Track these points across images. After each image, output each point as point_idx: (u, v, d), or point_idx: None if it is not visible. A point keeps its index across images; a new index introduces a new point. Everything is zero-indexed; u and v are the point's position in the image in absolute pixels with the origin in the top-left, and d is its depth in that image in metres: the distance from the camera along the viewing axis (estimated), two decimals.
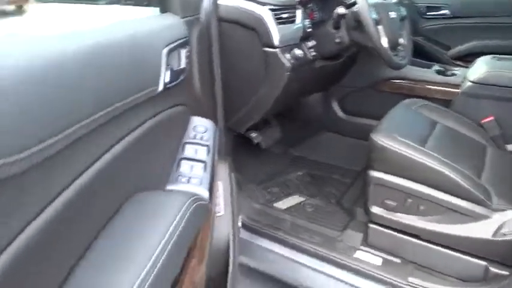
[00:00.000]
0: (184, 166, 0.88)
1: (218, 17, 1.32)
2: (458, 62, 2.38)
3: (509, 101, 1.58)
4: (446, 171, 1.21)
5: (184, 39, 0.94)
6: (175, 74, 0.85)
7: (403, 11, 1.63)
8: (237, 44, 1.36)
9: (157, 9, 1.02)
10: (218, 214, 1.11)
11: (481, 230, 1.17)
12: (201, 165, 0.89)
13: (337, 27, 1.51)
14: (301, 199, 1.70)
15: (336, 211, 1.61)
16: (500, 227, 1.15)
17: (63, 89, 0.51)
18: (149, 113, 0.76)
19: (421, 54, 2.64)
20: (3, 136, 0.39)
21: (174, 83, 0.84)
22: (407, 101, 1.65)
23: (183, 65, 0.91)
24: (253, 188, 1.72)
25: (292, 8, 1.43)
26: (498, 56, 1.84)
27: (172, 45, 0.83)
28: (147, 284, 0.49)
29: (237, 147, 1.86)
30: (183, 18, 1.00)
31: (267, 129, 2.03)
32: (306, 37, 1.46)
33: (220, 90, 1.40)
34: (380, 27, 1.44)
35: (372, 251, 1.36)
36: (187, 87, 1.00)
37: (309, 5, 1.68)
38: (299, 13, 1.44)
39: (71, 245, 0.49)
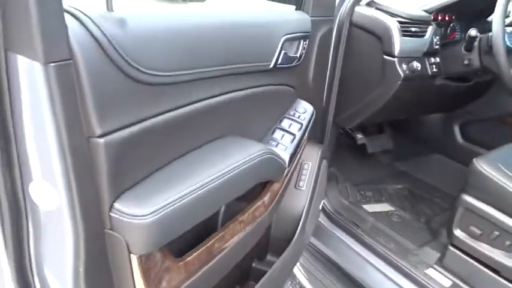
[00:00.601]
0: (277, 134, 1.06)
1: (351, 21, 1.47)
2: None
3: None
4: None
5: (306, 33, 1.11)
6: (288, 59, 1.03)
7: None
8: (361, 48, 1.48)
9: (294, 7, 1.22)
10: (300, 188, 1.27)
11: None
12: (291, 137, 1.06)
13: (468, 49, 1.51)
14: (391, 208, 1.73)
15: (422, 229, 1.61)
16: None
17: (206, 44, 0.75)
18: (259, 82, 0.96)
19: None
20: (163, 60, 0.64)
21: (285, 65, 1.03)
22: None
23: (298, 53, 1.09)
24: (347, 186, 1.81)
25: (424, 23, 1.48)
26: None
27: (291, 35, 1.02)
28: (206, 189, 0.69)
29: (344, 147, 1.98)
30: (312, 17, 1.18)
31: (378, 136, 2.09)
32: (431, 53, 1.49)
33: (337, 86, 1.55)
34: None
35: (445, 272, 1.35)
36: (299, 73, 1.17)
37: (452, 24, 1.69)
38: (430, 29, 1.48)
39: (174, 144, 0.72)
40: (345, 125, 1.62)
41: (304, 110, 1.16)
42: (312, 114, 1.18)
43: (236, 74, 0.86)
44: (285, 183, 1.08)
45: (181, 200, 0.63)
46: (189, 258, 0.73)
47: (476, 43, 1.48)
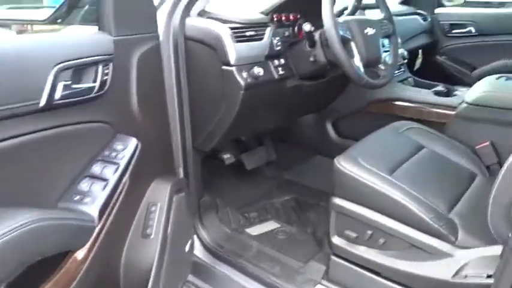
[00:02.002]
0: (84, 184, 0.86)
1: (185, 35, 1.33)
2: None
3: (507, 124, 1.40)
4: (407, 203, 1.09)
5: (106, 56, 0.94)
6: (77, 91, 0.84)
7: (389, 28, 1.52)
8: (200, 62, 1.34)
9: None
10: (149, 236, 1.07)
11: (442, 269, 1.02)
12: (102, 184, 0.86)
13: (312, 45, 1.44)
14: (277, 226, 1.61)
15: (308, 241, 1.50)
16: (462, 268, 1.00)
17: None
18: (32, 127, 0.75)
19: (443, 75, 2.48)
20: None
21: (75, 99, 0.84)
22: (396, 123, 1.52)
23: (98, 82, 0.90)
24: (229, 212, 1.66)
25: (261, 26, 1.39)
26: (510, 75, 1.65)
27: (72, 63, 0.83)
28: None
29: (219, 170, 1.82)
30: (117, 36, 1.01)
31: (258, 150, 1.97)
32: (275, 55, 1.40)
33: (188, 108, 1.39)
34: (352, 45, 1.36)
35: (332, 286, 1.24)
36: (114, 103, 0.99)
37: (298, 23, 1.62)
38: (268, 31, 1.39)
39: None
40: (204, 148, 1.46)
41: (124, 146, 0.97)
42: (136, 149, 0.99)
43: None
44: (97, 245, 0.87)
45: None
46: None
47: (317, 38, 1.43)
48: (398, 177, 1.18)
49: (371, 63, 1.42)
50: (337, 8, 1.71)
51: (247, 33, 1.33)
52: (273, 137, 2.06)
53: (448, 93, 1.74)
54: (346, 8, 1.69)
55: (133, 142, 0.98)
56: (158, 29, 1.24)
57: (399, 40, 1.95)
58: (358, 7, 1.67)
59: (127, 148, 0.96)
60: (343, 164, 1.21)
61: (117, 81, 0.98)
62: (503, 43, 2.36)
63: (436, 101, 1.64)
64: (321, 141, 1.95)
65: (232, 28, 1.30)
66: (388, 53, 1.54)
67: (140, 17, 1.11)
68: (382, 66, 1.46)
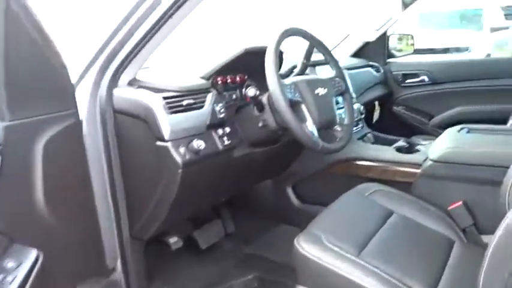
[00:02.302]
0: None
1: (114, 108, 1.17)
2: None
3: (480, 182, 1.28)
4: None
5: None
6: None
7: (342, 85, 1.41)
8: (132, 138, 1.17)
9: None
10: None
11: None
12: None
13: (260, 109, 1.31)
14: None
15: None
16: None
17: None
18: None
19: (402, 125, 2.42)
20: None
21: None
22: (361, 186, 1.38)
23: None
24: None
25: (201, 92, 1.25)
26: (470, 126, 1.57)
27: None
28: None
29: (168, 254, 1.58)
30: (13, 121, 0.82)
31: (214, 223, 1.76)
32: (218, 124, 1.25)
33: (123, 192, 1.20)
34: (303, 107, 1.23)
35: None
36: (3, 207, 0.78)
37: (246, 84, 1.48)
38: (209, 97, 1.24)
39: None
40: (143, 236, 1.25)
41: (17, 262, 0.75)
42: (35, 263, 0.77)
43: None
44: None
45: None
46: None
47: (265, 101, 1.30)
48: (369, 256, 1.01)
49: (326, 126, 1.30)
50: (286, 66, 1.61)
51: (184, 102, 1.18)
52: (230, 205, 1.86)
53: (410, 149, 1.64)
54: (295, 67, 1.58)
55: (32, 255, 0.77)
56: (81, 104, 1.08)
57: (354, 95, 1.87)
58: (308, 65, 1.57)
59: (21, 265, 0.74)
60: (304, 245, 1.03)
61: (10, 177, 0.78)
62: (457, 90, 2.34)
63: (400, 159, 1.52)
64: (282, 208, 1.77)
65: (166, 97, 1.14)
66: (343, 110, 1.42)
67: (49, 94, 0.94)
68: (338, 128, 1.33)
